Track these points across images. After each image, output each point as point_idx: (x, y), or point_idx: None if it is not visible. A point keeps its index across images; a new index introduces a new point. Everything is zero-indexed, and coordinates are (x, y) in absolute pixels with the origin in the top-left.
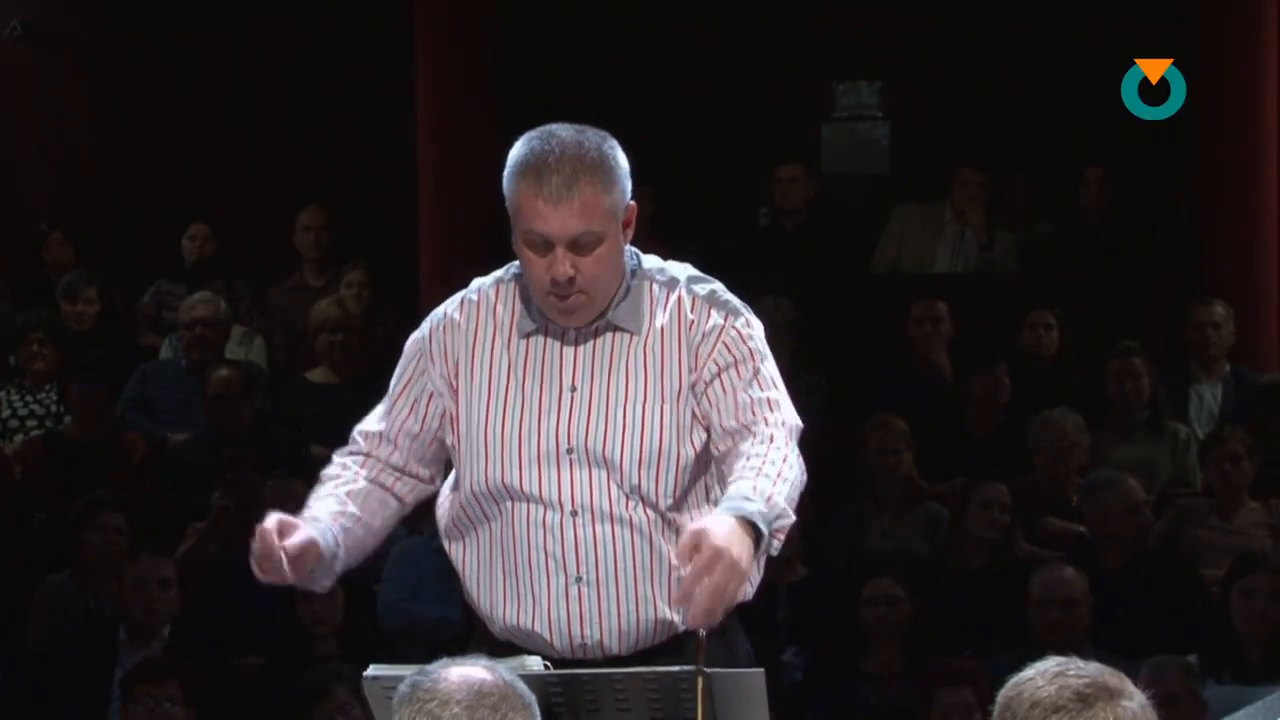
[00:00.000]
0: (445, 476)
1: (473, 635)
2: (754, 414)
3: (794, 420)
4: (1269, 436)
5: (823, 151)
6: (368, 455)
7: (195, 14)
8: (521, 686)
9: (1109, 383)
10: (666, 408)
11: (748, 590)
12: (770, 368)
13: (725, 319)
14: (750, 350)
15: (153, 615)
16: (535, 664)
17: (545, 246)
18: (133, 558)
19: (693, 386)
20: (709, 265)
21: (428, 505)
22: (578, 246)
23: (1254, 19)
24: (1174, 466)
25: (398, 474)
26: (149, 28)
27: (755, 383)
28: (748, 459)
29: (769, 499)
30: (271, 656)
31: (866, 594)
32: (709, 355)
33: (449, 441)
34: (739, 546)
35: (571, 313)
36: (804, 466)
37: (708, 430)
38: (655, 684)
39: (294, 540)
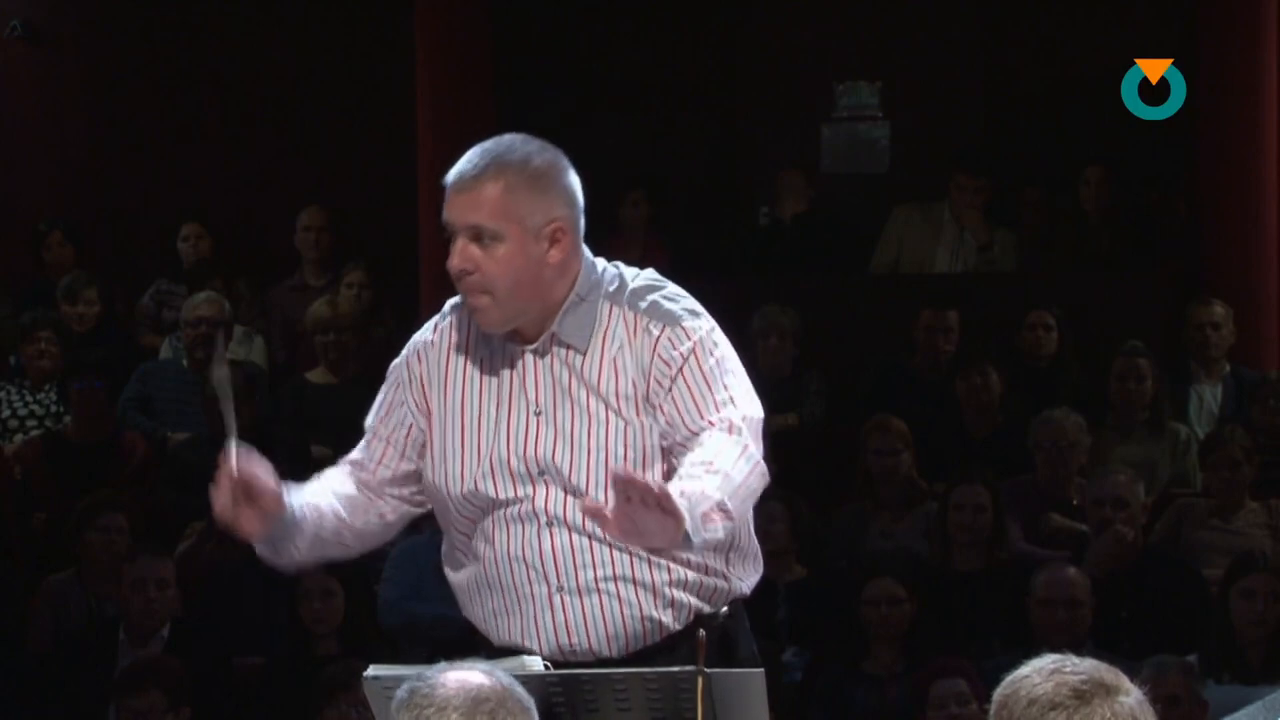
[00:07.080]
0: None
1: (473, 634)
2: (701, 417)
3: (746, 411)
4: (1268, 435)
5: (823, 151)
6: (356, 465)
7: (195, 14)
8: (520, 690)
9: (1111, 382)
10: (629, 430)
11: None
12: (717, 362)
13: (661, 330)
14: (686, 353)
15: (152, 615)
16: (535, 664)
17: (453, 236)
18: (132, 558)
19: (650, 404)
20: (709, 265)
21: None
22: (478, 239)
23: (1254, 19)
24: (1174, 466)
25: (379, 493)
26: (149, 28)
27: (704, 384)
28: (690, 463)
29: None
30: (271, 656)
31: (866, 594)
32: (650, 371)
33: (423, 470)
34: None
35: (477, 311)
36: (755, 452)
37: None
38: (655, 684)
39: (254, 473)
